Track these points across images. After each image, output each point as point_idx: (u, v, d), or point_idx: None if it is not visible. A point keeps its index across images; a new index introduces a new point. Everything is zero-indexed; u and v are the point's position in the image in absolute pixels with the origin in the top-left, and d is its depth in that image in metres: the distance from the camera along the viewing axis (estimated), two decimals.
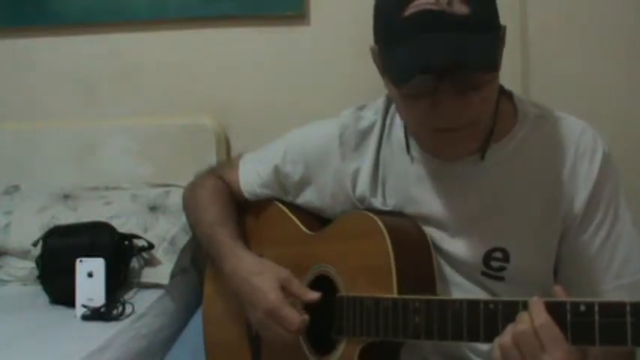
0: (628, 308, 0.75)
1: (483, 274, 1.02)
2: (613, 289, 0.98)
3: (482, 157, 1.00)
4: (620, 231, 0.99)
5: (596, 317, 0.76)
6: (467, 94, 0.89)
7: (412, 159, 1.06)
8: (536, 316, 0.80)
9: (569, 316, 0.79)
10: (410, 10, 0.87)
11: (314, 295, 1.07)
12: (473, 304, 0.87)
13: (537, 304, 0.81)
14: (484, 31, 0.88)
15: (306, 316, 1.05)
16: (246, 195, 1.27)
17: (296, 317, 1.04)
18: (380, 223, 1.01)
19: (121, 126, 2.06)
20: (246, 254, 1.15)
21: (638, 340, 0.74)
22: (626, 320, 0.74)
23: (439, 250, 1.05)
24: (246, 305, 1.11)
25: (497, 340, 0.83)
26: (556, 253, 1.02)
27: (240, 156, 1.33)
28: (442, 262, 1.05)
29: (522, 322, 0.81)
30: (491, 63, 0.88)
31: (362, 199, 1.12)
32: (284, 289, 1.07)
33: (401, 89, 0.92)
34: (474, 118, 0.93)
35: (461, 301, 0.89)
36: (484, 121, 0.96)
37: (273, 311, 1.05)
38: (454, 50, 0.85)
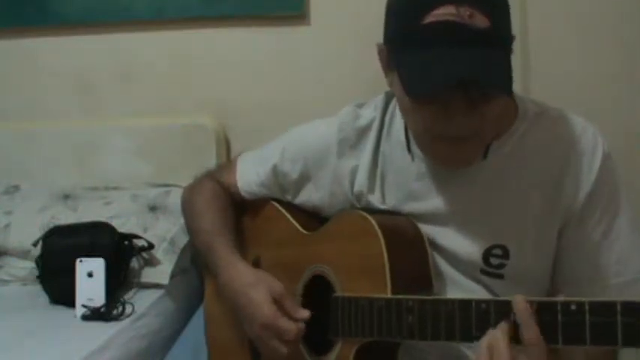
0: (619, 307, 0.74)
1: (482, 272, 1.02)
2: (609, 288, 0.98)
3: (485, 157, 1.00)
4: (618, 230, 0.99)
5: (587, 316, 0.76)
6: (478, 105, 0.88)
7: (413, 157, 1.06)
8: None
9: (560, 316, 0.78)
10: (429, 18, 0.85)
11: (304, 314, 1.06)
12: (465, 303, 0.87)
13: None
14: (501, 46, 0.88)
15: (302, 325, 1.05)
16: (244, 194, 1.27)
17: (292, 327, 1.04)
18: (374, 223, 1.01)
19: (121, 126, 2.06)
20: (241, 265, 1.15)
21: (629, 341, 0.74)
22: (617, 320, 0.74)
23: (439, 247, 1.04)
24: (241, 318, 1.12)
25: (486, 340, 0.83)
26: (554, 250, 1.02)
27: (238, 156, 1.33)
28: (441, 259, 1.05)
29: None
30: (508, 83, 0.87)
31: (359, 196, 1.12)
32: (277, 302, 1.07)
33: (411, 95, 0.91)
34: (481, 128, 0.92)
35: (453, 301, 0.89)
36: (489, 133, 0.96)
37: (268, 324, 1.05)
38: (472, 67, 0.84)
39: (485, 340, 0.82)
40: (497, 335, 0.81)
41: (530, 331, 0.79)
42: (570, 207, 0.99)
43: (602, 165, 0.98)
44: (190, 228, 1.30)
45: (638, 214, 1.03)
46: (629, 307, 0.74)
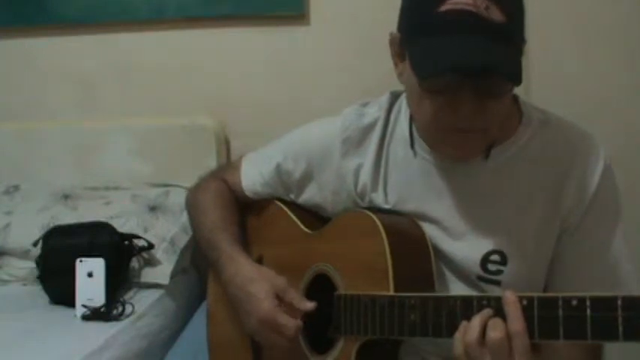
0: (619, 302, 0.75)
1: (479, 278, 1.02)
2: None
3: (487, 157, 1.00)
4: (612, 243, 1.00)
5: (589, 312, 0.76)
6: (485, 101, 0.89)
7: (415, 154, 1.07)
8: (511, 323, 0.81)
9: (561, 311, 0.78)
10: (446, 6, 0.87)
11: (309, 305, 1.06)
12: (466, 300, 0.87)
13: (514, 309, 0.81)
14: (514, 43, 0.89)
15: (300, 321, 1.05)
16: (248, 194, 1.28)
17: (291, 323, 1.04)
18: (378, 222, 1.01)
19: (120, 126, 2.07)
20: (244, 261, 1.15)
21: (630, 335, 0.74)
22: (617, 314, 0.74)
23: (437, 251, 1.04)
24: (241, 313, 1.12)
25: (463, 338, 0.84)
26: (550, 258, 1.02)
27: (243, 156, 1.33)
28: (440, 263, 1.04)
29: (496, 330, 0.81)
30: (518, 75, 0.88)
31: (362, 195, 1.12)
32: (279, 297, 1.07)
33: (422, 82, 0.92)
34: (486, 125, 0.93)
35: (455, 298, 0.89)
36: (494, 130, 0.96)
37: (267, 319, 1.05)
38: (485, 55, 0.85)
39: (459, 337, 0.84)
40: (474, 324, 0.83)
41: (518, 323, 0.80)
42: (569, 216, 0.99)
43: (602, 177, 0.99)
44: (194, 226, 1.31)
45: (638, 213, 1.03)
46: (630, 302, 0.74)
